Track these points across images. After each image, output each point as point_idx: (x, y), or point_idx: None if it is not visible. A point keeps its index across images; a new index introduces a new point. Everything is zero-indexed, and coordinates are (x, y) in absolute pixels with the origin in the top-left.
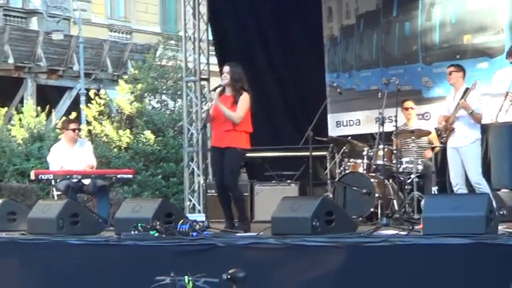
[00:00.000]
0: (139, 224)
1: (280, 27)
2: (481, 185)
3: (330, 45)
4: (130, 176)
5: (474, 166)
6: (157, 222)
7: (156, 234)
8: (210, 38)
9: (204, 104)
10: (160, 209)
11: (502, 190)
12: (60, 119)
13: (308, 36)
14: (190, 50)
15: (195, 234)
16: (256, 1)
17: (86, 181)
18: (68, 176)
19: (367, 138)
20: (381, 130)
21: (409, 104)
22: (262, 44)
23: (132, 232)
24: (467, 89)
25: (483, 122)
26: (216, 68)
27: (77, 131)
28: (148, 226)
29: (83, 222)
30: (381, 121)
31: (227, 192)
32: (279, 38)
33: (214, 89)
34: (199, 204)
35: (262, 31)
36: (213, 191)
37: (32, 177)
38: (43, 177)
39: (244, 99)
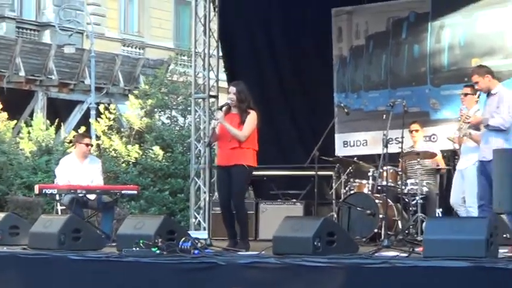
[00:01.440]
0: (141, 241)
1: (290, 46)
2: (474, 208)
3: (339, 65)
4: (135, 192)
5: (472, 188)
6: (159, 239)
7: (158, 252)
8: (221, 54)
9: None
10: (162, 226)
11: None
12: (70, 133)
13: (318, 56)
14: (200, 66)
15: (196, 252)
16: (267, 20)
17: (91, 196)
18: (72, 191)
19: (374, 159)
20: (385, 151)
21: (414, 126)
22: (272, 62)
23: (134, 249)
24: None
25: None
26: (226, 85)
27: (89, 147)
28: (150, 243)
29: (84, 237)
30: (385, 142)
31: (231, 211)
32: (288, 57)
33: (220, 108)
34: (204, 221)
35: (272, 49)
36: (218, 208)
37: (36, 191)
38: (47, 192)
39: (251, 118)
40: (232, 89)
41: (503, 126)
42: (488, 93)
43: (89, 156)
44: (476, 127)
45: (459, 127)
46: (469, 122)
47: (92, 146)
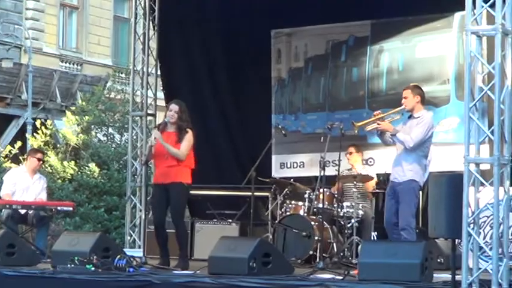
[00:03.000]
0: (76, 258)
1: (229, 66)
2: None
3: (278, 86)
4: (71, 208)
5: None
6: (94, 257)
7: (93, 269)
8: (159, 73)
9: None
10: (98, 243)
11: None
12: (6, 148)
13: (256, 77)
14: (138, 84)
15: (131, 269)
16: (207, 39)
17: (23, 211)
18: (7, 206)
19: (311, 181)
20: (322, 173)
21: (350, 149)
22: (210, 81)
23: (69, 265)
24: None
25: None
26: (163, 103)
27: (41, 162)
28: (85, 260)
29: (19, 253)
30: (323, 165)
31: (165, 229)
32: (227, 77)
33: (158, 127)
34: (139, 240)
35: (210, 69)
36: (153, 226)
37: None
38: None
39: (189, 137)
40: (175, 107)
41: (407, 145)
42: (410, 116)
43: (37, 172)
44: (381, 132)
45: (368, 122)
46: (379, 124)
47: (43, 161)
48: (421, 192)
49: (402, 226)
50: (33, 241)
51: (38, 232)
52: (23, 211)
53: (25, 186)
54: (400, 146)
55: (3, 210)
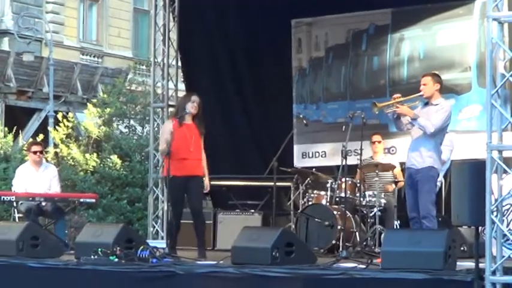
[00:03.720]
0: (99, 249)
1: (249, 56)
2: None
3: (299, 76)
4: (93, 200)
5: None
6: (118, 248)
7: (116, 260)
8: (180, 64)
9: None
10: (121, 235)
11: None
12: (28, 141)
13: (277, 66)
14: (159, 76)
15: (154, 260)
16: (227, 30)
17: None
18: (30, 199)
19: (333, 171)
20: (344, 163)
21: (376, 137)
22: (231, 72)
23: (92, 257)
24: None
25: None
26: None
27: (38, 154)
28: (108, 251)
29: (43, 245)
30: (344, 154)
31: (180, 220)
32: (248, 67)
33: (177, 117)
34: (162, 231)
35: (231, 59)
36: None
37: None
38: (5, 199)
39: None
40: (197, 99)
41: (428, 130)
42: (427, 103)
43: (43, 163)
44: (398, 116)
45: (388, 104)
46: (398, 107)
47: (42, 152)
48: (443, 180)
49: (423, 214)
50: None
51: (56, 224)
52: (43, 203)
53: (32, 179)
54: (417, 132)
55: (21, 203)
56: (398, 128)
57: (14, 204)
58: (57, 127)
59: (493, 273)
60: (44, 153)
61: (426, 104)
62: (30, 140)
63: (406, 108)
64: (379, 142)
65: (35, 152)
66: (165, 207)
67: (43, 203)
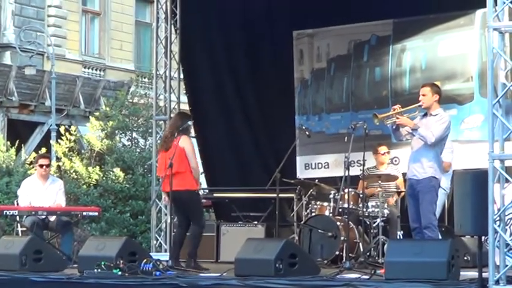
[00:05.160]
0: (102, 262)
1: (251, 68)
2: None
3: (301, 87)
4: (96, 213)
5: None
6: (121, 261)
7: (119, 273)
8: (182, 76)
9: None
10: (124, 248)
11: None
12: (30, 155)
13: (280, 78)
14: (161, 88)
15: (158, 273)
16: (229, 42)
17: (52, 218)
18: (33, 212)
19: (336, 182)
20: (346, 174)
21: (383, 149)
22: (233, 84)
23: (95, 270)
24: None
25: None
26: (187, 107)
27: (45, 167)
28: (112, 264)
29: (46, 259)
30: (347, 165)
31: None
32: (250, 79)
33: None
34: (166, 243)
35: (233, 71)
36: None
37: None
38: (8, 213)
39: None
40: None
41: (429, 140)
42: (426, 113)
43: (50, 177)
44: (397, 127)
45: (389, 115)
46: (398, 118)
47: (48, 166)
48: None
49: (425, 225)
50: (59, 247)
51: (62, 237)
52: (48, 217)
53: (38, 193)
54: (417, 143)
55: (25, 217)
56: (397, 138)
57: (17, 218)
58: (59, 140)
59: (497, 282)
60: (48, 166)
61: (425, 114)
62: (38, 153)
63: (406, 119)
64: (388, 153)
65: (41, 166)
66: (168, 220)
67: (48, 217)
